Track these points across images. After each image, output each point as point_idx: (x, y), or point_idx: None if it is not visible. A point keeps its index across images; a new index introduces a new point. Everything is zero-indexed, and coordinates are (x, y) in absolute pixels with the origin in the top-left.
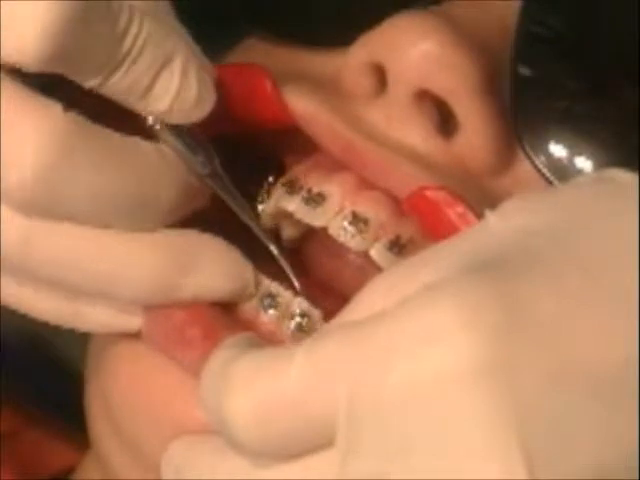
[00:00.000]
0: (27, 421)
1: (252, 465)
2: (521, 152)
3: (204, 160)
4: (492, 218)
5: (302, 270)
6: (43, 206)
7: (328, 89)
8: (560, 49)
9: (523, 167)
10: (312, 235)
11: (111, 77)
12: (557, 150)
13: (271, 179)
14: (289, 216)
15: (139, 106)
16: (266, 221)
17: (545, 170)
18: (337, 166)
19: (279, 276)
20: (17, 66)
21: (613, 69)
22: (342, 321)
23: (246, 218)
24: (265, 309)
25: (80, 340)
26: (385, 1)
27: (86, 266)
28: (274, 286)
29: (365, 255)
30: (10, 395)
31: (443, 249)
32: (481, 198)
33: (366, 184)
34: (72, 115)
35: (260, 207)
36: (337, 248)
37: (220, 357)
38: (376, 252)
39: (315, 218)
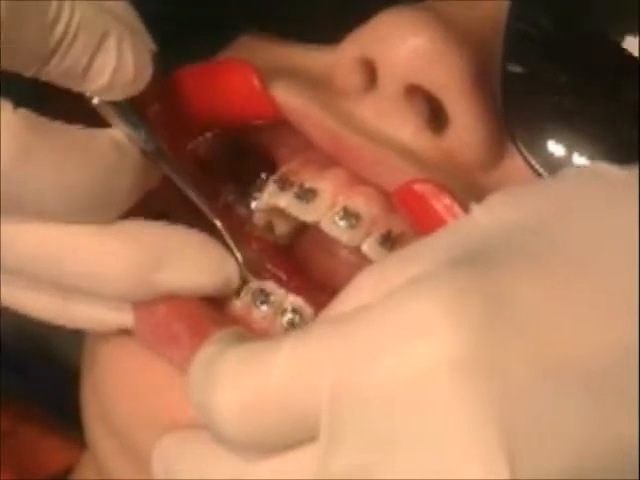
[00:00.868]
0: (25, 420)
1: (240, 459)
2: (511, 147)
3: (147, 137)
4: (478, 211)
5: (295, 267)
6: (7, 203)
7: (319, 85)
8: (549, 45)
9: (514, 162)
10: (305, 232)
11: (48, 64)
12: (548, 145)
13: (263, 176)
14: (281, 212)
15: (81, 87)
16: (259, 218)
17: (536, 164)
18: (328, 162)
19: (271, 272)
20: None
21: (601, 64)
22: (330, 313)
23: (191, 194)
24: (257, 306)
25: (78, 339)
26: None
27: (62, 263)
28: (266, 282)
29: (357, 250)
30: (9, 394)
31: (429, 242)
32: (471, 192)
33: (357, 179)
34: (23, 112)
35: (253, 204)
36: (330, 244)
37: (207, 351)
38: (368, 247)
39: (307, 213)
